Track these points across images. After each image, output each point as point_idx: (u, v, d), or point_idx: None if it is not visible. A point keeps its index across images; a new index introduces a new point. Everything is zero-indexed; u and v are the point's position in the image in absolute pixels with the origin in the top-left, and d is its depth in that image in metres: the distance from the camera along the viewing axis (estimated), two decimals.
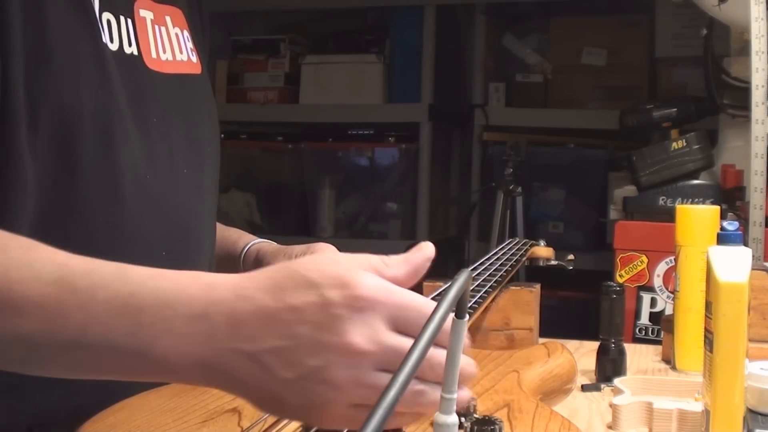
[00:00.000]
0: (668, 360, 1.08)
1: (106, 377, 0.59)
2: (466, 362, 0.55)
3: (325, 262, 0.54)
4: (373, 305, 0.52)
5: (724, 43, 1.94)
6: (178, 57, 0.87)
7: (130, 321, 0.54)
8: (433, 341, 0.46)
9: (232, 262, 0.99)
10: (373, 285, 0.53)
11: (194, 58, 0.91)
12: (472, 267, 1.00)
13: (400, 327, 0.53)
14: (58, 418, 0.73)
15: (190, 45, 0.90)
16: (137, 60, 0.80)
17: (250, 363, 0.52)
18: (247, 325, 0.53)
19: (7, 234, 0.59)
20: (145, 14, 0.83)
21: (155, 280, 0.56)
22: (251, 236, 1.03)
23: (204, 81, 0.92)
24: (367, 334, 0.52)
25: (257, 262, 0.97)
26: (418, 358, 0.40)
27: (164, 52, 0.84)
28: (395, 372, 0.40)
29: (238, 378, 0.53)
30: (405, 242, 2.80)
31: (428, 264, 0.60)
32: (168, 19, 0.87)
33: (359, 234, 2.97)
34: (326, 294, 0.52)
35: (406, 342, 0.53)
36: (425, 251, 0.60)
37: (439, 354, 0.52)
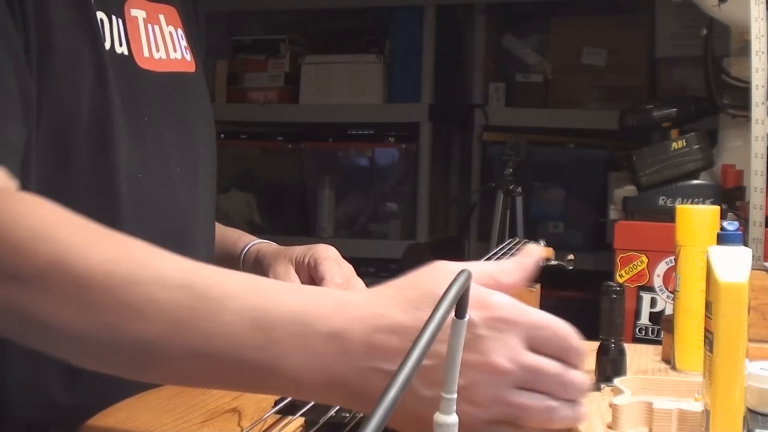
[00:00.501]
0: (668, 360, 1.08)
1: (224, 388, 0.59)
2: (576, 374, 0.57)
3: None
4: (512, 326, 0.54)
5: (724, 43, 1.94)
6: (172, 55, 0.87)
7: (262, 334, 0.53)
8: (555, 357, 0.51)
9: (231, 263, 0.99)
10: (510, 306, 0.54)
11: (188, 57, 0.90)
12: None
13: (536, 346, 0.55)
14: (57, 417, 0.73)
15: (184, 43, 0.90)
16: (128, 60, 0.80)
17: (388, 381, 0.52)
18: (387, 345, 0.53)
19: (125, 237, 0.58)
20: (137, 13, 0.82)
21: (290, 295, 0.55)
22: (251, 237, 1.03)
23: (199, 79, 0.92)
24: (507, 354, 0.53)
25: (257, 262, 0.97)
26: (419, 357, 0.40)
27: (157, 50, 0.84)
28: (395, 372, 0.40)
29: (375, 396, 0.53)
30: (405, 242, 2.80)
31: (538, 267, 0.62)
32: (161, 17, 0.87)
33: (359, 234, 2.97)
34: (470, 315, 0.53)
35: (543, 361, 0.54)
36: (535, 254, 0.62)
37: (569, 373, 0.55)
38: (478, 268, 0.58)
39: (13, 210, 0.58)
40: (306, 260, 0.92)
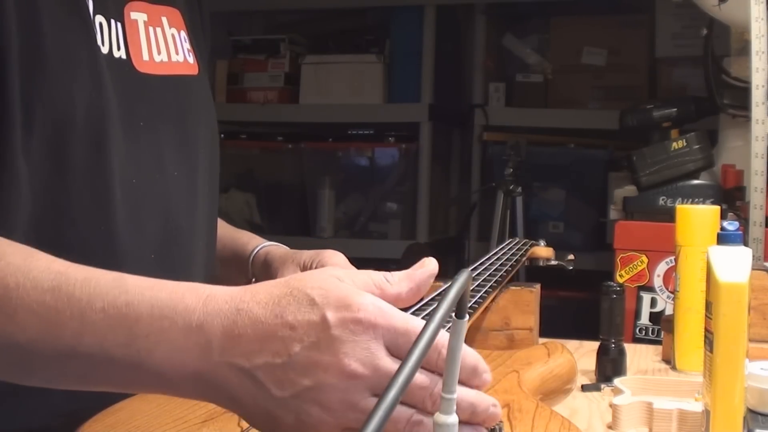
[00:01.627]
0: (668, 360, 1.08)
1: (101, 388, 0.58)
2: (473, 360, 0.54)
3: (328, 281, 0.54)
4: (371, 329, 0.52)
5: (724, 43, 1.94)
6: (174, 58, 0.86)
7: (126, 331, 0.54)
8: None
9: (240, 264, 0.99)
10: (373, 308, 0.52)
11: (191, 59, 0.90)
12: (472, 267, 1.00)
13: (398, 352, 0.52)
14: (57, 422, 0.73)
15: (187, 46, 0.90)
16: (125, 64, 0.79)
17: (244, 378, 0.52)
18: (243, 340, 0.52)
19: (4, 240, 0.59)
20: (137, 16, 0.82)
21: (153, 291, 0.55)
22: (261, 239, 1.03)
23: (201, 82, 0.92)
24: (362, 358, 0.51)
25: (265, 265, 0.97)
26: (417, 359, 0.40)
27: (159, 53, 0.84)
28: (395, 373, 0.40)
29: (232, 393, 0.53)
30: (405, 242, 2.80)
31: (431, 280, 0.60)
32: (164, 19, 0.86)
33: (359, 234, 2.97)
34: (326, 314, 0.51)
35: None
36: (428, 267, 0.60)
37: (438, 385, 0.52)
38: (365, 276, 0.56)
39: None
40: (313, 266, 0.92)
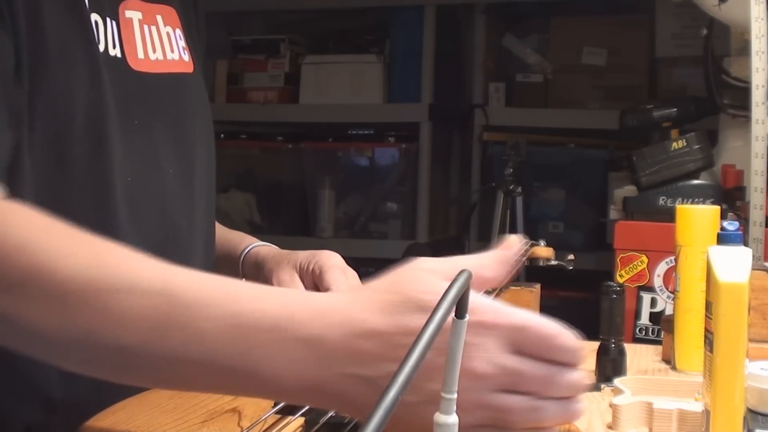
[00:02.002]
0: (668, 360, 1.08)
1: (214, 392, 0.59)
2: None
3: (433, 283, 0.54)
4: (492, 329, 0.53)
5: (724, 43, 1.94)
6: (169, 56, 0.86)
7: (240, 341, 0.53)
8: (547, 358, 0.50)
9: (231, 264, 0.99)
10: (490, 309, 0.53)
11: (186, 57, 0.90)
12: None
13: (519, 348, 0.54)
14: (56, 416, 0.73)
15: (182, 44, 0.90)
16: (120, 62, 0.79)
17: (367, 387, 0.52)
18: (363, 351, 0.52)
19: (100, 240, 0.58)
20: (132, 14, 0.82)
21: (266, 300, 0.55)
22: (252, 239, 1.03)
23: (196, 80, 0.92)
24: (487, 359, 0.52)
25: (257, 266, 0.97)
26: (419, 357, 0.40)
27: (154, 51, 0.84)
28: (395, 373, 0.40)
29: (356, 401, 0.53)
30: (405, 242, 2.80)
31: (520, 258, 0.61)
32: (159, 17, 0.86)
33: (359, 234, 2.97)
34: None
35: (526, 363, 0.53)
36: (514, 247, 0.61)
37: (557, 372, 0.54)
38: (457, 263, 0.57)
39: None
40: (310, 268, 0.92)
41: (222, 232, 1.03)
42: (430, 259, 0.57)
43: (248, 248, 0.99)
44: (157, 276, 0.56)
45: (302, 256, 0.94)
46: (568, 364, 0.55)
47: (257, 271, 0.96)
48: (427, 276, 0.55)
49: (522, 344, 0.54)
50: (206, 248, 0.92)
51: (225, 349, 0.53)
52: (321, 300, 0.56)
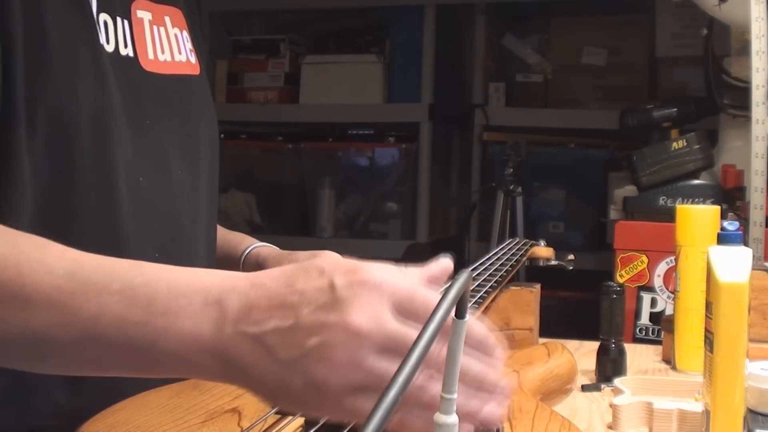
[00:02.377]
0: (668, 360, 1.08)
1: (116, 373, 0.59)
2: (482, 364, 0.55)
3: (336, 255, 0.55)
4: (376, 289, 0.52)
5: (724, 43, 1.94)
6: (177, 58, 0.87)
7: (143, 310, 0.54)
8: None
9: (232, 265, 0.99)
10: (378, 271, 0.53)
11: (193, 59, 0.90)
12: (472, 267, 1.00)
13: (404, 314, 0.53)
14: (59, 420, 0.73)
15: (189, 46, 0.90)
16: (132, 62, 0.80)
17: (254, 345, 0.52)
18: (254, 310, 0.53)
19: (16, 231, 0.59)
20: (143, 15, 0.82)
21: (170, 273, 0.56)
22: (253, 240, 1.03)
23: (202, 82, 0.92)
24: (369, 315, 0.51)
25: (258, 267, 0.97)
26: (419, 357, 0.40)
27: (162, 52, 0.84)
28: (395, 373, 0.40)
29: (243, 363, 0.53)
30: (405, 242, 2.80)
31: (445, 277, 0.60)
32: (167, 19, 0.87)
33: (359, 234, 2.97)
34: (333, 279, 0.52)
35: (409, 330, 0.52)
36: (442, 264, 0.60)
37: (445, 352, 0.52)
38: (377, 265, 0.57)
39: None
40: None
41: (222, 233, 1.03)
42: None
43: (249, 249, 0.99)
44: (65, 260, 0.56)
45: (302, 256, 0.94)
46: (473, 348, 0.54)
47: (257, 271, 0.96)
48: (334, 258, 0.55)
49: (407, 311, 0.52)
50: (208, 249, 0.92)
51: (127, 319, 0.54)
52: (227, 272, 0.57)
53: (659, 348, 1.14)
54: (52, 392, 0.74)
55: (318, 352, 0.51)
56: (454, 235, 3.09)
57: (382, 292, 0.52)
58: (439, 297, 0.51)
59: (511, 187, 2.58)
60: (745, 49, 1.69)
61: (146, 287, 0.55)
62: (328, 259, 0.54)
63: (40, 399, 0.74)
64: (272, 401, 0.55)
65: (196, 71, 0.91)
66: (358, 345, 0.51)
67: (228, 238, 1.03)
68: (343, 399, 0.52)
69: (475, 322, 0.55)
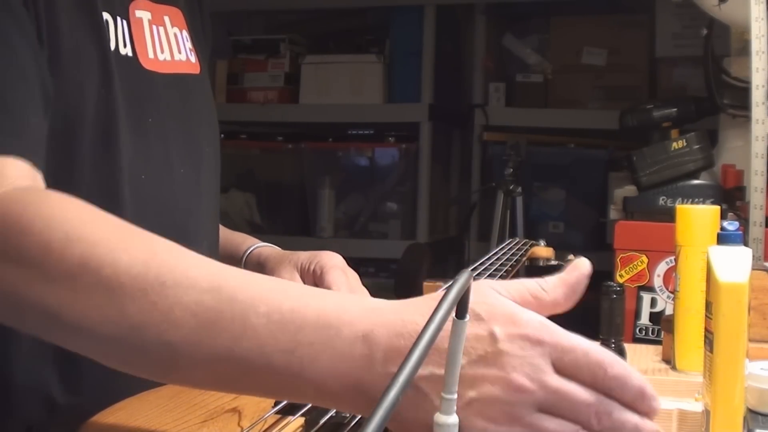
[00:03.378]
0: (668, 360, 1.08)
1: (257, 394, 0.57)
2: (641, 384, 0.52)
3: (489, 295, 0.53)
4: (538, 345, 0.51)
5: (724, 43, 1.94)
6: (177, 57, 0.87)
7: (289, 337, 0.52)
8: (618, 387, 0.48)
9: (233, 265, 0.99)
10: (539, 325, 0.52)
11: (193, 58, 0.91)
12: (472, 267, 1.00)
13: (564, 369, 0.51)
14: (57, 417, 0.73)
15: (189, 45, 0.90)
16: (132, 61, 0.80)
17: (407, 389, 0.51)
18: (407, 350, 0.52)
19: (151, 235, 0.58)
20: (142, 14, 0.82)
21: (316, 299, 0.55)
22: (254, 240, 1.03)
23: (203, 81, 0.92)
24: (529, 373, 0.50)
25: (259, 266, 0.97)
26: (419, 358, 0.40)
27: (162, 52, 0.84)
28: (395, 373, 0.40)
29: (398, 411, 0.52)
30: (405, 242, 2.80)
31: (586, 281, 0.58)
32: (167, 18, 0.87)
33: (359, 234, 2.97)
34: (493, 329, 0.51)
35: (570, 386, 0.51)
36: (581, 269, 0.58)
37: (607, 403, 0.51)
38: (518, 285, 0.55)
39: (45, 210, 0.58)
40: (311, 267, 0.91)
41: (224, 233, 1.03)
42: (491, 281, 0.56)
43: (251, 249, 0.99)
44: (207, 273, 0.55)
45: (303, 256, 0.94)
46: (628, 403, 0.52)
47: (258, 271, 0.96)
48: (484, 289, 0.54)
49: (569, 366, 0.51)
50: (211, 249, 0.92)
51: (273, 345, 0.52)
52: (371, 302, 0.55)
53: (659, 348, 1.14)
54: (51, 389, 0.74)
55: (477, 405, 0.50)
56: (454, 235, 3.09)
57: (543, 349, 0.51)
58: (597, 346, 0.51)
59: (511, 187, 2.58)
60: (745, 49, 1.69)
61: (293, 314, 0.53)
62: (483, 304, 0.52)
63: (39, 396, 0.74)
64: None
65: (197, 70, 0.91)
66: (518, 401, 0.50)
67: (230, 238, 1.03)
68: None
69: (632, 371, 0.52)
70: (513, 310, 0.52)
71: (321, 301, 0.54)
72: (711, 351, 0.70)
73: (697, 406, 0.77)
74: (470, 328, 0.51)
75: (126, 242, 0.57)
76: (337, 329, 0.52)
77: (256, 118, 3.06)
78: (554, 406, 0.51)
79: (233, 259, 1.00)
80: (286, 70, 2.99)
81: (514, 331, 0.51)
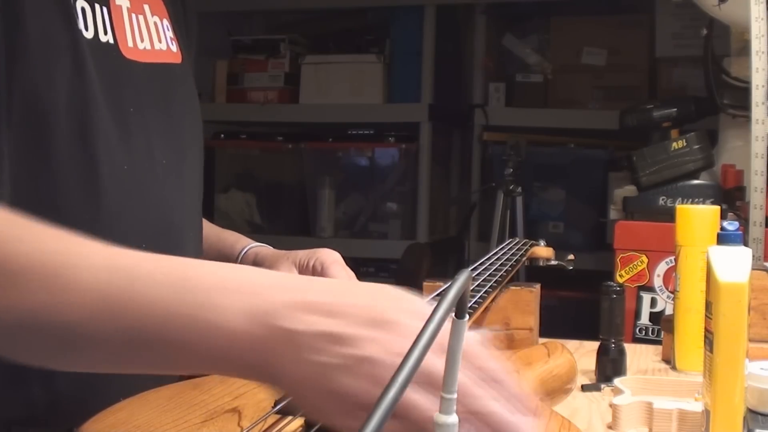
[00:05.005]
0: (668, 360, 1.08)
1: (153, 369, 0.58)
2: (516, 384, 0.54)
3: (405, 295, 0.55)
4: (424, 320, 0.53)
5: (724, 43, 1.94)
6: (157, 46, 0.85)
7: (186, 295, 0.54)
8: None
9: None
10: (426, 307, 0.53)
11: (174, 48, 0.88)
12: (472, 267, 1.00)
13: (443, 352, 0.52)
14: (36, 414, 0.73)
15: (170, 34, 0.88)
16: (113, 49, 0.78)
17: (290, 341, 0.52)
18: (298, 309, 0.53)
19: (53, 228, 0.58)
20: (122, 2, 0.80)
21: (215, 266, 0.57)
22: (248, 240, 1.02)
23: (185, 70, 0.90)
24: (412, 341, 0.52)
25: (256, 265, 0.96)
26: (418, 357, 0.40)
27: (142, 40, 0.82)
28: (395, 373, 0.40)
29: (279, 359, 0.52)
30: (405, 242, 2.80)
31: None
32: (146, 7, 0.85)
33: (359, 234, 2.97)
34: (384, 300, 0.53)
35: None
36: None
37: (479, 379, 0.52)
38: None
39: None
40: (311, 264, 0.92)
41: (216, 231, 1.03)
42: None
43: (245, 249, 0.99)
44: (102, 253, 0.56)
45: (301, 253, 0.94)
46: (500, 381, 0.53)
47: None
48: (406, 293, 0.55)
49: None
50: (195, 241, 0.91)
51: (173, 313, 0.53)
52: (276, 273, 0.58)
53: (659, 348, 1.14)
54: (29, 385, 0.73)
55: (353, 364, 0.51)
56: (454, 235, 3.09)
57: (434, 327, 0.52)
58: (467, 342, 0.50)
59: (511, 187, 2.58)
60: (745, 49, 1.69)
61: (190, 279, 0.54)
62: (376, 285, 0.55)
63: (17, 392, 0.73)
64: (296, 399, 0.54)
65: (178, 59, 0.89)
66: (395, 367, 0.51)
67: (222, 236, 1.02)
68: (361, 416, 0.51)
69: (476, 345, 0.54)
70: (403, 292, 0.55)
71: (220, 267, 0.56)
72: (711, 351, 0.70)
73: (697, 406, 0.77)
74: (363, 297, 0.53)
75: (26, 233, 0.57)
76: (233, 282, 0.54)
77: (256, 118, 3.06)
78: (429, 383, 0.51)
79: (227, 259, 0.99)
80: (286, 70, 2.99)
81: (403, 305, 0.53)
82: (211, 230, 1.02)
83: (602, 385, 0.95)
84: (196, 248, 0.91)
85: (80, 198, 0.73)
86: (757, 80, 1.56)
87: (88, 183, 0.73)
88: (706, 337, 0.72)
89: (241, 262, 0.97)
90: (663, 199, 1.94)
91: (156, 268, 0.55)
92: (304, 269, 0.92)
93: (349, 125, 3.03)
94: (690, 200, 1.91)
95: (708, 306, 0.72)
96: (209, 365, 0.57)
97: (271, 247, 1.00)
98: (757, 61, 1.56)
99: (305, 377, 0.52)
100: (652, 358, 1.12)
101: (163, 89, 0.85)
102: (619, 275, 1.87)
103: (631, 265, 1.87)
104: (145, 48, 0.83)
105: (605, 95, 2.86)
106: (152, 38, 0.84)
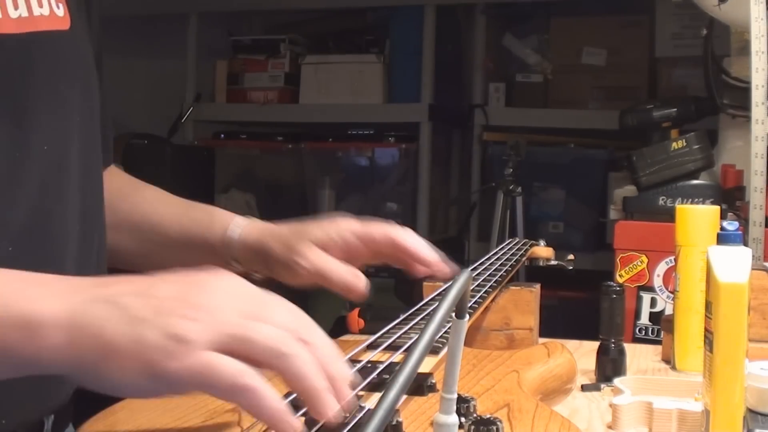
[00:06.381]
0: (668, 360, 1.08)
1: None
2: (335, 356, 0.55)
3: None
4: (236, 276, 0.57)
5: (724, 43, 1.94)
6: (36, 11, 0.73)
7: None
8: None
9: (203, 253, 0.90)
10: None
11: (60, 11, 0.76)
12: (472, 267, 1.00)
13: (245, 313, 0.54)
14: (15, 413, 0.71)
15: None
16: None
17: (107, 305, 0.53)
18: (110, 281, 0.55)
19: None
20: None
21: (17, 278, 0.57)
22: (225, 215, 0.92)
23: (74, 36, 0.77)
24: (231, 282, 0.56)
25: (259, 251, 0.89)
26: (419, 357, 0.40)
27: (16, 8, 0.71)
28: (395, 373, 0.40)
29: (96, 325, 0.52)
30: None
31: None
32: None
33: None
34: (197, 272, 0.56)
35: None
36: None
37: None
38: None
39: None
40: (334, 237, 0.90)
41: (182, 209, 0.93)
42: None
43: (234, 231, 0.90)
44: None
45: (315, 231, 0.91)
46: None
47: (262, 267, 0.89)
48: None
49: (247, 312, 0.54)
50: (83, 242, 0.79)
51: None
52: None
53: (659, 348, 1.14)
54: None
55: (176, 308, 0.52)
56: (454, 235, 3.09)
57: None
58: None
59: (511, 187, 2.58)
60: (745, 49, 1.69)
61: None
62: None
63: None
64: (131, 361, 0.52)
65: (65, 26, 0.76)
66: (223, 303, 0.53)
67: (192, 216, 0.92)
68: (203, 352, 0.51)
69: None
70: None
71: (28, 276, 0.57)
72: (711, 351, 0.70)
73: (697, 406, 0.77)
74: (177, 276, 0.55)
75: None
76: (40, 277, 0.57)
77: (256, 118, 3.06)
78: (257, 316, 0.53)
79: (205, 244, 0.90)
80: (286, 70, 2.99)
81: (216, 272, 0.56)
82: (176, 208, 0.93)
83: (602, 385, 0.95)
84: (83, 239, 0.79)
85: None
86: (757, 80, 1.56)
87: None
88: (706, 337, 0.72)
89: (233, 248, 0.90)
90: (663, 199, 1.94)
91: None
92: (330, 245, 0.90)
93: (349, 125, 3.03)
94: (690, 200, 1.91)
95: (708, 306, 0.72)
96: (32, 349, 0.55)
97: (256, 221, 0.93)
98: (757, 61, 1.56)
99: (131, 332, 0.52)
100: (652, 358, 1.12)
101: (44, 63, 0.73)
102: (619, 275, 1.87)
103: (631, 265, 1.87)
104: (20, 15, 0.71)
105: (605, 95, 2.86)
106: (30, 4, 0.73)
